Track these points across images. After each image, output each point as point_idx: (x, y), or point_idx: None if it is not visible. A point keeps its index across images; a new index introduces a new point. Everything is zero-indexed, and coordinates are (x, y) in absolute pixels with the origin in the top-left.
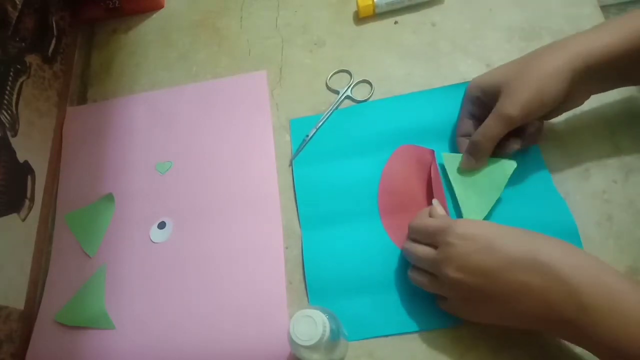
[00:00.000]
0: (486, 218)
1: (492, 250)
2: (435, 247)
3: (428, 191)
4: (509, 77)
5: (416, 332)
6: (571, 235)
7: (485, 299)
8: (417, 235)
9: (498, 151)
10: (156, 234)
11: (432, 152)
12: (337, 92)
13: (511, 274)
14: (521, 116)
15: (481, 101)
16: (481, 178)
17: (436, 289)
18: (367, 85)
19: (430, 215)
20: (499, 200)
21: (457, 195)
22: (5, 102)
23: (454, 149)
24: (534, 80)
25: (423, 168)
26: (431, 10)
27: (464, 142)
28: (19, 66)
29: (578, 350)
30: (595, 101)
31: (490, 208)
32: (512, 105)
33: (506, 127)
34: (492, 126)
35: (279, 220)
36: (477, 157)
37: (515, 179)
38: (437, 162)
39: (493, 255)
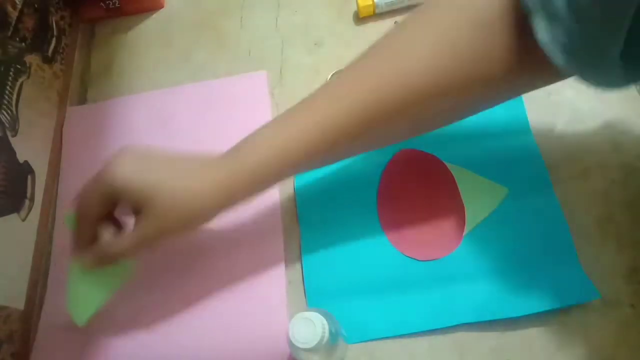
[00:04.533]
0: None
1: None
2: None
3: (428, 195)
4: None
5: (416, 333)
6: (564, 241)
7: None
8: None
9: None
10: None
11: (437, 158)
12: None
13: None
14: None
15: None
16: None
17: None
18: None
19: None
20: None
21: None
22: (5, 102)
23: (454, 151)
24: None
25: (423, 172)
26: None
27: None
28: (19, 66)
29: (579, 351)
30: (596, 101)
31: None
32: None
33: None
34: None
35: (279, 220)
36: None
37: (514, 176)
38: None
39: None
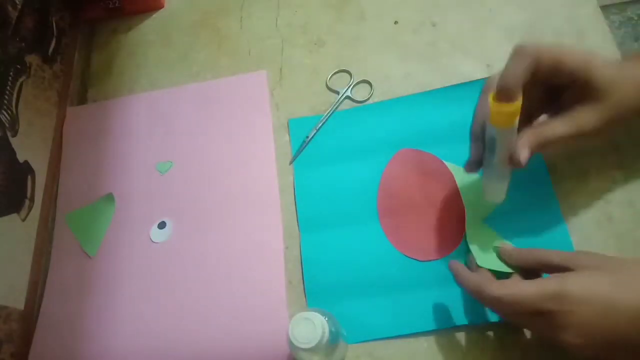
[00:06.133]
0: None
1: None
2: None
3: (428, 195)
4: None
5: (416, 333)
6: (563, 241)
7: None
8: (514, 314)
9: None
10: (156, 234)
11: (437, 158)
12: (337, 92)
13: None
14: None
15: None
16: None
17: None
18: (367, 86)
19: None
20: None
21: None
22: (5, 102)
23: (454, 151)
24: None
25: (423, 172)
26: (431, 10)
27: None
28: (19, 66)
29: None
30: None
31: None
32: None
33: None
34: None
35: (279, 220)
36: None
37: (514, 176)
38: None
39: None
